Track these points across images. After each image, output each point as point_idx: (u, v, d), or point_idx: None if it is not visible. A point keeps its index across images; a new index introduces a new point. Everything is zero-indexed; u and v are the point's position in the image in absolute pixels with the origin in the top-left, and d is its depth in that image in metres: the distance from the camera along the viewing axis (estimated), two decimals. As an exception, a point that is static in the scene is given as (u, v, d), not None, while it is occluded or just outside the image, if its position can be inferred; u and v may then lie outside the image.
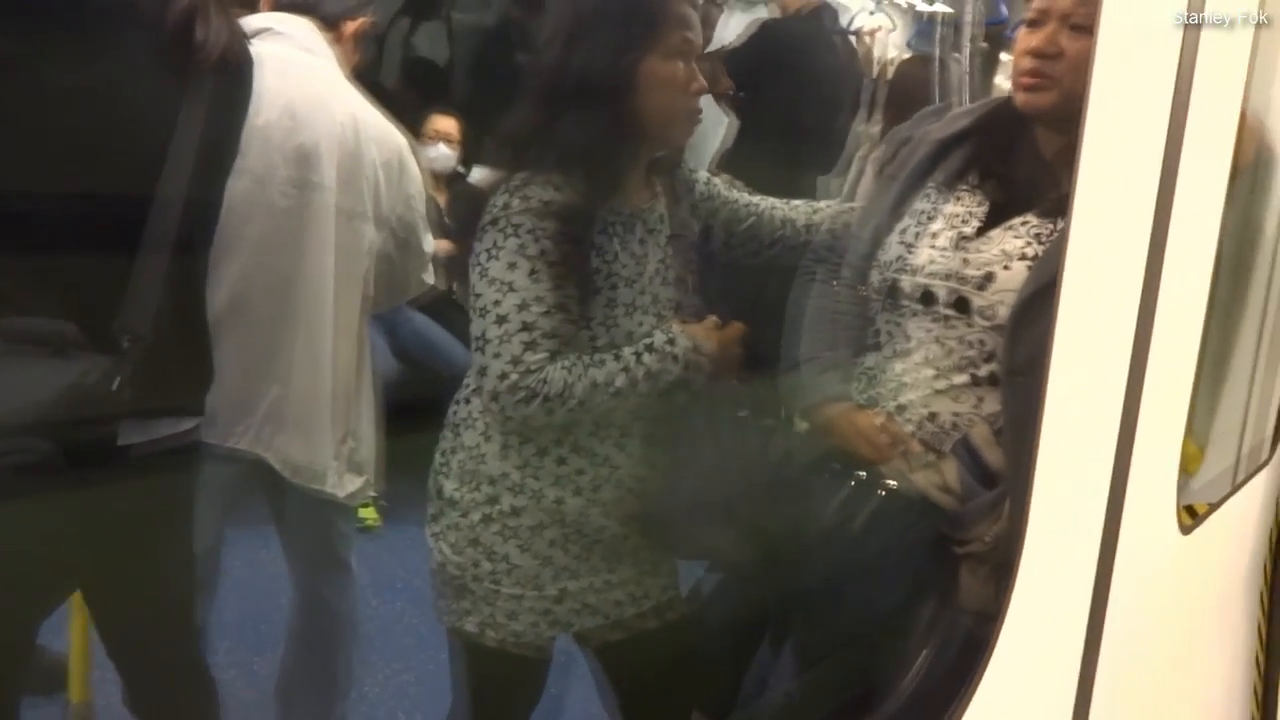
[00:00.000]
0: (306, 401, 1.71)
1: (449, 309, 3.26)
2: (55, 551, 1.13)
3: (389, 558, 3.03)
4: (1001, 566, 1.33)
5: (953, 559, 1.37)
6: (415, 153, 1.85)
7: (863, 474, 1.39)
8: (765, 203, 1.54)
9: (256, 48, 1.61)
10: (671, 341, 1.33)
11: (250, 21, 1.67)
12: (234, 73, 1.24)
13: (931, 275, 1.40)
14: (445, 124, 3.53)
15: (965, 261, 1.37)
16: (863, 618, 1.42)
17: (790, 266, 1.59)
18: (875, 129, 3.19)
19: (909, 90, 3.13)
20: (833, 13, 3.19)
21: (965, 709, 0.80)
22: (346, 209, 1.69)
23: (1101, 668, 0.80)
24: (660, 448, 1.40)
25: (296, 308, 1.68)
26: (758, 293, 1.65)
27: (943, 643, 1.36)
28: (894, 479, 1.39)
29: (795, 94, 2.89)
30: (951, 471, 1.36)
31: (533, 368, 1.24)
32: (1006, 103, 1.44)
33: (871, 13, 4.67)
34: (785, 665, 1.72)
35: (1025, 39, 1.35)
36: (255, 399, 1.68)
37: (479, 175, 3.57)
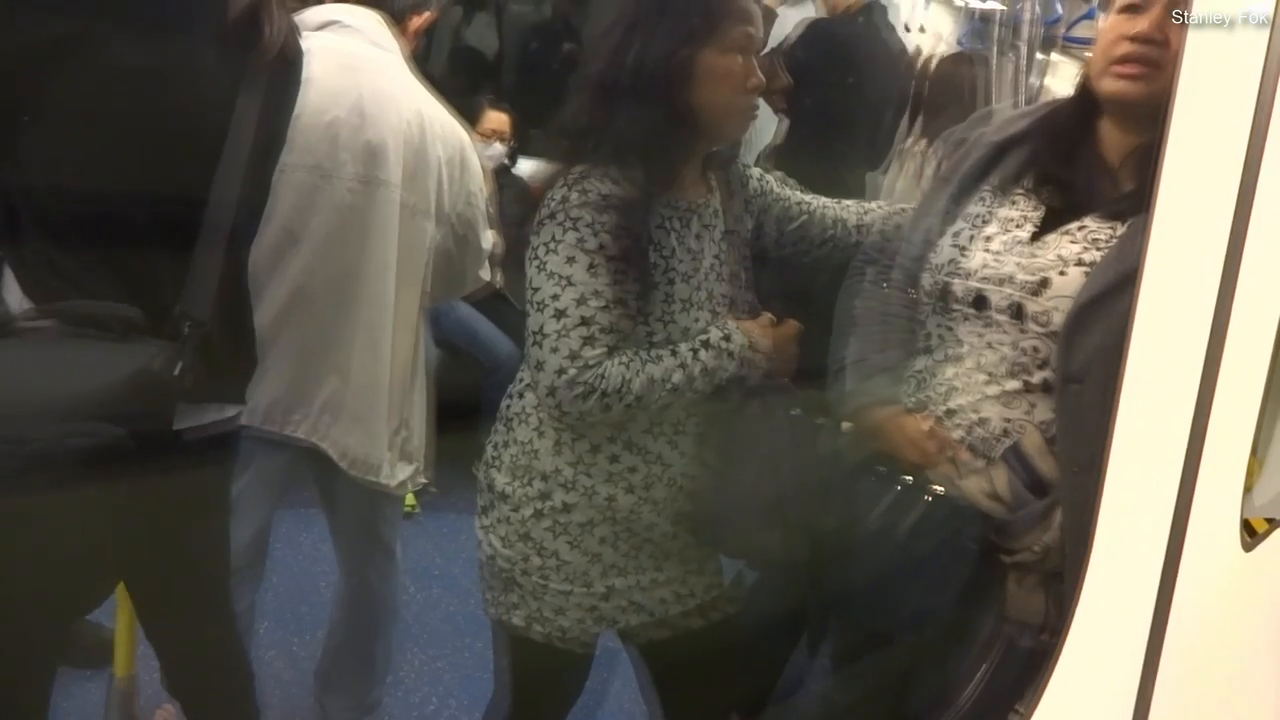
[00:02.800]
0: (365, 394, 1.73)
1: (491, 297, 3.28)
2: (109, 538, 1.15)
3: (427, 544, 3.06)
4: (1050, 576, 1.31)
5: (1000, 567, 1.34)
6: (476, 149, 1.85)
7: (909, 479, 1.37)
8: (816, 201, 1.53)
9: (326, 40, 1.64)
10: (727, 338, 1.32)
11: (320, 13, 1.68)
12: (288, 65, 1.25)
13: (985, 280, 1.37)
14: (497, 120, 3.55)
15: (1020, 266, 1.34)
16: (904, 623, 1.40)
17: (839, 266, 1.58)
18: (917, 126, 3.16)
19: (949, 89, 3.10)
20: (882, 10, 3.16)
21: (1026, 721, 0.79)
22: (411, 205, 1.70)
23: (1160, 684, 0.79)
24: (712, 446, 1.39)
25: (359, 302, 1.69)
26: (806, 290, 1.64)
27: (1002, 656, 1.34)
28: (942, 485, 1.36)
29: (843, 93, 2.88)
30: (1001, 479, 1.34)
31: (590, 363, 1.24)
32: (1066, 105, 1.40)
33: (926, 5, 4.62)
34: (821, 667, 1.71)
35: (1122, 24, 1.28)
36: (314, 389, 1.70)
37: (525, 168, 3.61)
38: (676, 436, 1.36)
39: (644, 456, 1.34)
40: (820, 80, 2.90)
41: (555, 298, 1.24)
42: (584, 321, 1.23)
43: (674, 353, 1.30)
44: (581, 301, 1.23)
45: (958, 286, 1.39)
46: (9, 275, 1.11)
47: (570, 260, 1.24)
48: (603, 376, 1.24)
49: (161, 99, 1.12)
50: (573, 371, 1.23)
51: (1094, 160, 1.35)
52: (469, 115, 3.38)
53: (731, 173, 1.45)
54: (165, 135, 1.13)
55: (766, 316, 1.38)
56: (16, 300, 1.10)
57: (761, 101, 1.46)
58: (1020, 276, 1.34)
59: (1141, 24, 1.25)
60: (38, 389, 1.04)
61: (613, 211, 1.24)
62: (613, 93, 1.28)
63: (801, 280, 1.61)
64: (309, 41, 1.63)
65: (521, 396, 1.39)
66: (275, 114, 1.25)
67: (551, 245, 1.25)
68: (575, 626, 1.39)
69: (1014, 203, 1.39)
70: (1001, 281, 1.36)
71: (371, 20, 1.69)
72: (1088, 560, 0.75)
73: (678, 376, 1.28)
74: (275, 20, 1.19)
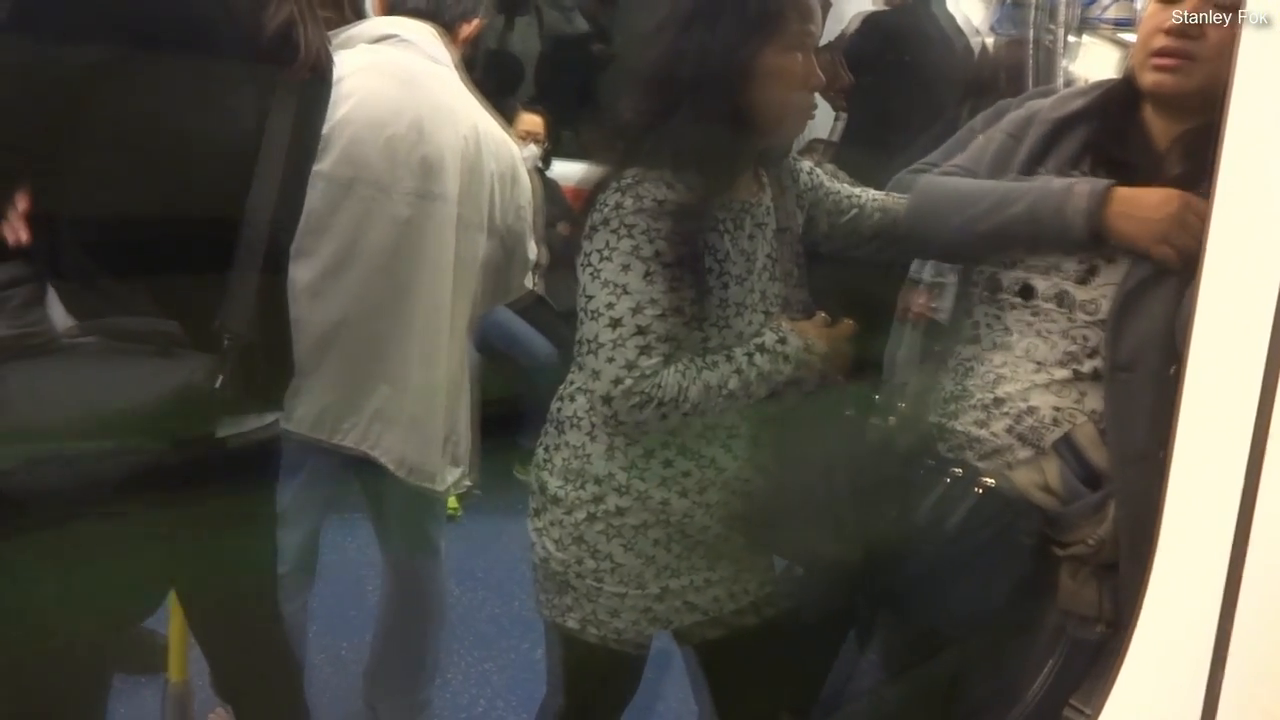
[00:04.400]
0: (420, 403, 1.74)
1: (532, 302, 3.30)
2: (158, 547, 1.17)
3: (470, 547, 3.08)
4: (1104, 568, 1.28)
5: (1053, 560, 1.32)
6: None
7: (959, 470, 1.34)
8: (865, 195, 1.50)
9: (385, 54, 1.65)
10: (782, 340, 1.30)
11: (376, 26, 1.70)
12: (319, 78, 1.26)
13: (1031, 268, 1.35)
14: (532, 122, 3.57)
15: (1017, 260, 1.33)
16: (955, 619, 1.37)
17: (889, 262, 1.56)
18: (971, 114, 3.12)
19: (1002, 74, 3.06)
20: (937, 2, 3.11)
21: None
22: (465, 219, 1.71)
23: (1229, 676, 0.77)
24: (766, 448, 1.37)
25: (414, 314, 1.70)
26: (860, 286, 1.61)
27: (1068, 651, 1.31)
28: (993, 477, 1.34)
29: (903, 85, 2.84)
30: (1053, 471, 1.31)
31: (648, 372, 1.21)
32: (1117, 88, 1.37)
33: (959, -3, 4.56)
34: (870, 663, 1.69)
35: (1158, 15, 1.26)
36: (365, 399, 1.71)
37: (558, 169, 3.62)
38: (730, 440, 1.35)
39: (697, 461, 1.33)
40: (879, 74, 2.87)
41: (610, 306, 1.22)
42: (640, 330, 1.21)
43: (729, 358, 1.28)
44: (637, 310, 1.21)
45: (1004, 275, 1.37)
46: (53, 294, 1.13)
47: (625, 268, 1.21)
48: (659, 386, 1.22)
49: (196, 118, 1.13)
50: (629, 381, 1.21)
51: (1144, 144, 1.32)
52: (504, 118, 3.41)
53: (783, 168, 1.42)
54: (200, 153, 1.14)
55: (820, 316, 1.35)
56: (60, 318, 1.12)
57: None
58: (1067, 264, 1.32)
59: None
60: (83, 404, 1.06)
61: (668, 218, 1.21)
62: (669, 93, 1.25)
63: (855, 277, 1.59)
64: (367, 55, 1.66)
65: (572, 400, 1.37)
66: (307, 127, 1.26)
67: (605, 252, 1.23)
68: (630, 628, 1.37)
69: None
70: (1048, 270, 1.33)
71: (426, 34, 1.70)
72: (1153, 552, 0.73)
73: (734, 383, 1.26)
74: (309, 36, 1.20)
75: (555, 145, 3.64)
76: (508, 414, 3.09)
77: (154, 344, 1.10)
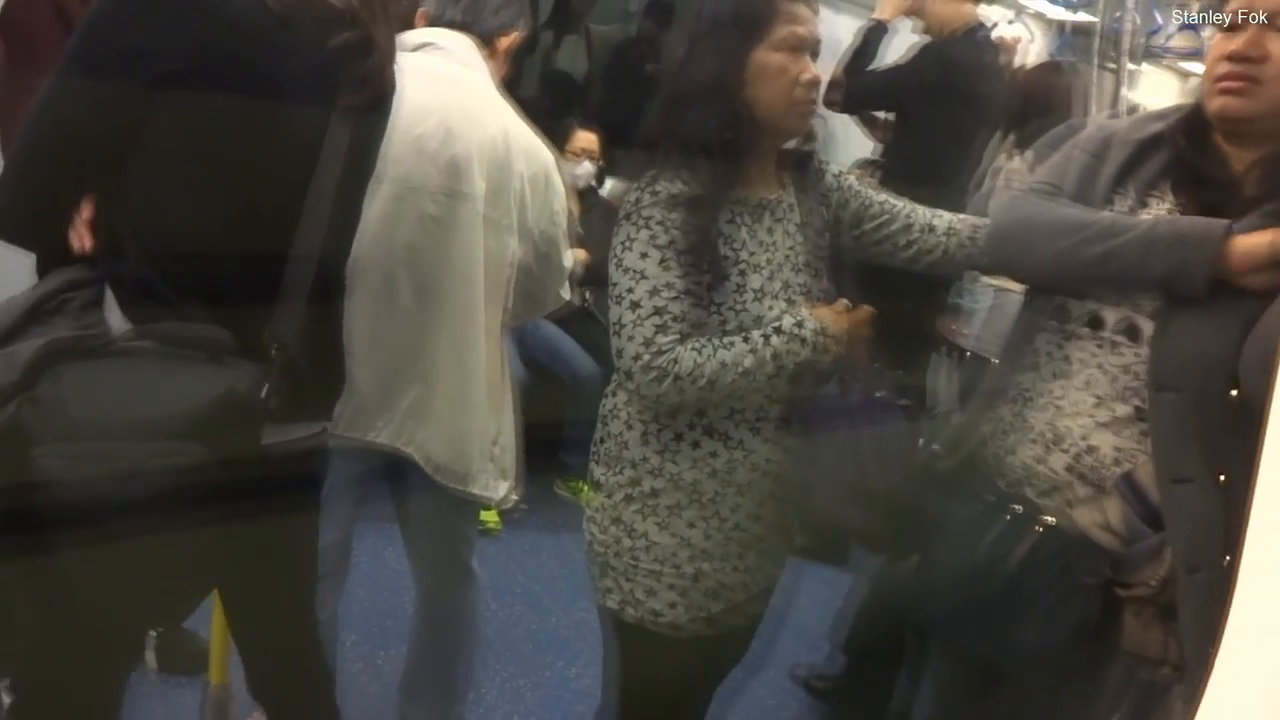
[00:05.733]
0: (453, 402, 1.75)
1: (579, 315, 3.31)
2: (203, 550, 1.18)
3: (509, 562, 3.08)
4: (1168, 609, 1.24)
5: (1116, 601, 1.28)
6: (560, 169, 1.87)
7: (1019, 508, 1.32)
8: (904, 205, 1.53)
9: (417, 60, 1.68)
10: (800, 324, 1.36)
11: (414, 36, 1.74)
12: (381, 96, 1.28)
13: (1103, 298, 1.32)
14: (587, 140, 3.60)
15: (1106, 297, 1.29)
16: (1016, 657, 1.34)
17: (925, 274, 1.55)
18: (1010, 140, 3.13)
19: (1039, 99, 3.07)
20: (986, 32, 3.12)
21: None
22: (494, 219, 1.72)
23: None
24: (795, 433, 1.40)
25: (444, 310, 1.72)
26: (887, 284, 1.60)
27: (1139, 696, 1.27)
28: (1054, 514, 1.31)
29: (958, 114, 2.92)
30: (1115, 510, 1.27)
31: (664, 349, 1.32)
32: (1193, 111, 1.34)
33: (1010, 22, 4.54)
34: (925, 697, 1.65)
35: (1223, 43, 1.26)
36: (398, 397, 1.72)
37: (611, 187, 3.64)
38: (759, 423, 1.40)
39: (725, 442, 1.39)
40: (935, 103, 2.95)
41: (631, 290, 1.34)
42: (657, 311, 1.32)
43: (746, 339, 1.35)
44: (655, 293, 1.32)
45: (1074, 304, 1.34)
46: (110, 297, 1.15)
47: (644, 256, 1.33)
48: (675, 361, 1.32)
49: (258, 131, 1.16)
50: (647, 357, 1.32)
51: (1221, 170, 1.30)
52: (559, 135, 3.44)
53: (807, 169, 1.51)
54: (260, 165, 1.17)
55: (842, 302, 1.40)
56: (117, 321, 1.14)
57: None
58: (1142, 297, 1.28)
59: (1238, 42, 1.23)
60: (136, 407, 1.08)
61: (681, 208, 1.33)
62: (679, 100, 1.38)
63: (884, 277, 1.58)
64: (403, 61, 1.68)
65: (614, 394, 1.47)
66: (366, 143, 1.28)
67: (627, 243, 1.35)
68: (667, 610, 1.43)
69: (1147, 211, 1.33)
70: (1119, 301, 1.30)
71: (463, 43, 1.74)
72: (1233, 584, 0.70)
73: (749, 361, 1.33)
74: (374, 63, 1.22)
75: (610, 164, 3.66)
76: (549, 429, 3.10)
77: (205, 350, 1.12)
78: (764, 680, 2.50)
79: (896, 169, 3.02)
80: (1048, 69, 3.37)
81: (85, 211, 1.17)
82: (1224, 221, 1.22)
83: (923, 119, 3.00)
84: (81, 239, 1.17)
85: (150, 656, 2.22)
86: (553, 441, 3.27)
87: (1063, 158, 1.43)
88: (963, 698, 1.46)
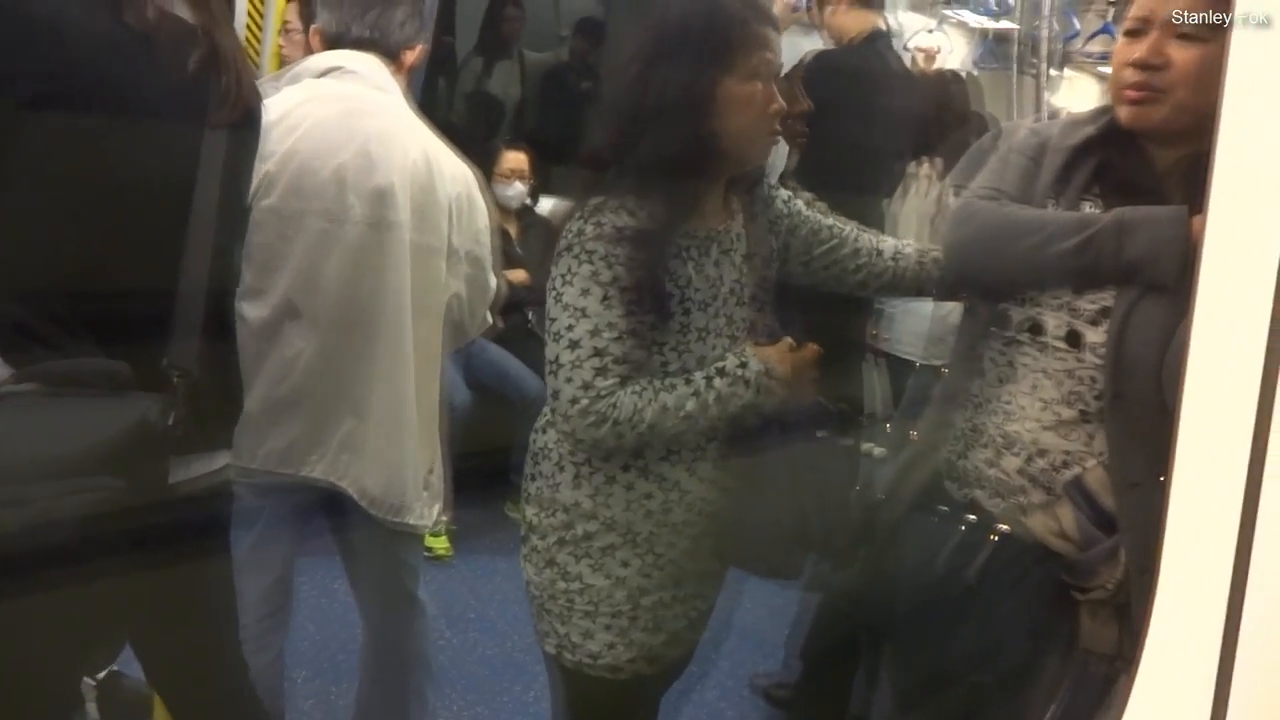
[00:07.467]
0: (387, 433, 1.71)
1: (524, 336, 3.29)
2: (112, 596, 1.14)
3: (461, 588, 3.04)
4: (1123, 607, 1.26)
5: (1072, 604, 1.29)
6: (484, 188, 1.84)
7: (974, 518, 1.33)
8: (851, 229, 1.49)
9: (328, 86, 1.66)
10: (743, 365, 1.31)
11: (321, 61, 1.70)
12: (248, 114, 1.27)
13: (1043, 305, 1.32)
14: (516, 160, 3.58)
15: (1079, 291, 1.29)
16: (975, 664, 1.34)
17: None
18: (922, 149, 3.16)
19: (951, 108, 3.11)
20: (886, 38, 3.16)
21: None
22: (422, 244, 1.69)
23: (1233, 705, 0.75)
24: (733, 472, 1.37)
25: (376, 342, 1.68)
26: (829, 314, 1.60)
27: (1075, 685, 1.29)
28: (1008, 522, 1.32)
29: (853, 123, 2.88)
30: (1068, 517, 1.29)
31: (603, 393, 1.25)
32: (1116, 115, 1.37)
33: (930, 31, 4.63)
34: (882, 701, 1.66)
35: (1125, 50, 1.27)
36: (331, 430, 1.69)
37: (547, 205, 3.63)
38: (695, 463, 1.35)
39: (660, 484, 1.34)
40: (830, 111, 2.90)
41: (570, 329, 1.26)
42: (597, 353, 1.25)
43: (688, 381, 1.29)
44: (595, 333, 1.25)
45: (1015, 311, 1.35)
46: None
47: (585, 292, 1.26)
48: (615, 406, 1.25)
49: (126, 158, 1.13)
50: (585, 401, 1.25)
51: (1146, 173, 1.31)
52: (487, 158, 3.42)
53: (756, 194, 1.43)
54: (132, 193, 1.14)
55: (786, 341, 1.35)
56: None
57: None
58: (1079, 303, 1.29)
59: (1139, 49, 1.24)
60: (28, 452, 1.03)
61: (627, 244, 1.25)
62: (635, 123, 1.29)
63: (826, 304, 1.57)
64: (313, 89, 1.66)
65: (544, 432, 1.40)
66: (239, 163, 1.27)
67: (568, 277, 1.27)
68: (606, 651, 1.38)
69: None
70: (1059, 307, 1.31)
71: (372, 64, 1.70)
72: (1155, 582, 0.72)
73: (691, 404, 1.28)
74: (235, 77, 1.21)
75: (544, 182, 3.64)
76: (498, 453, 3.07)
77: (98, 386, 1.09)
78: (726, 692, 2.50)
79: (808, 181, 3.02)
80: (952, 79, 3.43)
81: None
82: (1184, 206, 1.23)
83: (825, 128, 2.96)
84: None
85: (91, 708, 2.14)
86: (502, 463, 3.24)
87: (1000, 162, 1.43)
88: (920, 700, 1.46)
